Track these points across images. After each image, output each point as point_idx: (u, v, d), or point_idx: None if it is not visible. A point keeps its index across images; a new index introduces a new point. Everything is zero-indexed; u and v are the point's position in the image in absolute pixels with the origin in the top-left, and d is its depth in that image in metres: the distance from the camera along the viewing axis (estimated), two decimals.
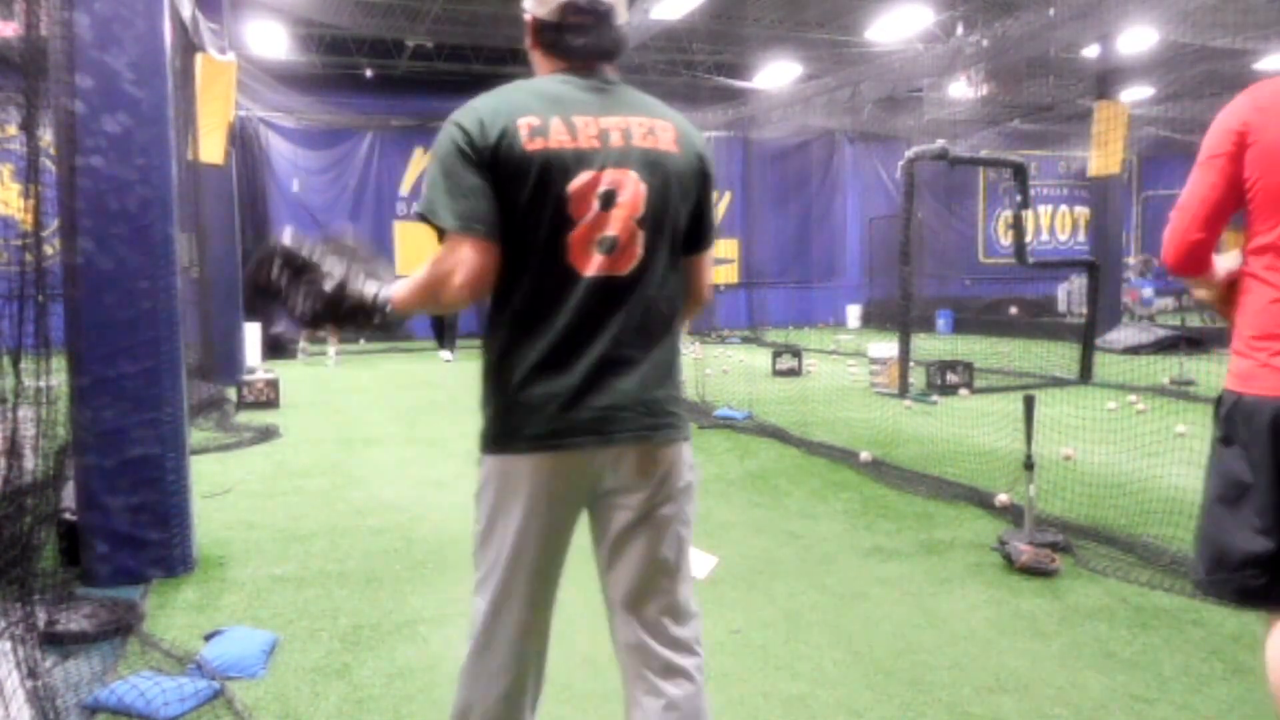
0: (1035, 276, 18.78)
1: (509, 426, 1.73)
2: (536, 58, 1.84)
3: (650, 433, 1.75)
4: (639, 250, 1.73)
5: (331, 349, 12.98)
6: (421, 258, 1.84)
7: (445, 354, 13.96)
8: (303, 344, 13.32)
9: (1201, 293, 2.22)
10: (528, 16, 1.81)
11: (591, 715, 2.72)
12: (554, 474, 1.73)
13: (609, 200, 1.70)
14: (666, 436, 1.78)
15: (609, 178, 1.70)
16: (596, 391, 1.70)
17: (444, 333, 14.14)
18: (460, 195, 1.66)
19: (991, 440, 6.18)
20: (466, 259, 1.66)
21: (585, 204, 1.69)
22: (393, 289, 1.84)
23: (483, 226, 1.66)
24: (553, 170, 1.67)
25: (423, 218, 1.71)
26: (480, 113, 1.70)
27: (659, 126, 1.77)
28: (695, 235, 1.86)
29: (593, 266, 1.70)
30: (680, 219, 1.80)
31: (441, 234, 1.69)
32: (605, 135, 1.71)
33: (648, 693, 1.80)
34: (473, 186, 1.66)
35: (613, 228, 1.70)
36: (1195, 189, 2.05)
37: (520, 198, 1.67)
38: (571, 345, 1.70)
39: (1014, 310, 17.84)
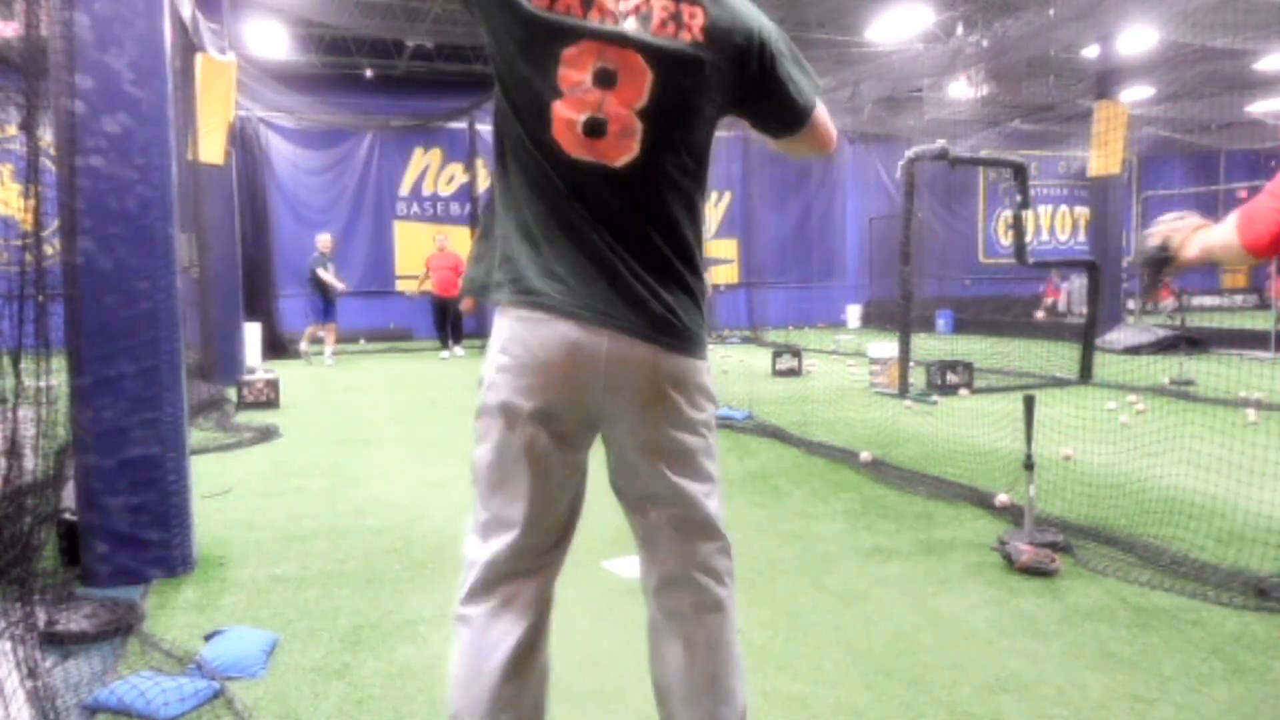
0: (1035, 276, 18.81)
1: (497, 278, 1.68)
2: None
3: (651, 332, 1.62)
4: (634, 145, 1.59)
5: (328, 349, 13.00)
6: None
7: (445, 353, 13.99)
8: (304, 345, 13.34)
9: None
10: None
11: (591, 715, 2.72)
12: (545, 330, 1.62)
13: (605, 79, 1.57)
14: (668, 343, 1.65)
15: (611, 55, 1.57)
16: (581, 282, 1.61)
17: (446, 330, 14.15)
18: None
19: (991, 440, 6.18)
20: None
21: (577, 75, 1.57)
22: None
23: None
24: (551, 31, 1.57)
25: None
26: None
27: (686, 12, 1.60)
28: (779, 118, 1.73)
29: (578, 148, 1.58)
30: (701, 119, 1.65)
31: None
32: (620, 13, 1.58)
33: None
34: None
35: (603, 109, 1.57)
36: None
37: (513, 53, 1.60)
38: (556, 232, 1.61)
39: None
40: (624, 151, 1.59)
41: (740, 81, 1.67)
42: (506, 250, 1.65)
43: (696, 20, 1.60)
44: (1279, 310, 15.87)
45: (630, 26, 1.58)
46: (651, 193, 1.63)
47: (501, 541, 1.71)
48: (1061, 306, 19.61)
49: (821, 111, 1.77)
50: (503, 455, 1.69)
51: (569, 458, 1.72)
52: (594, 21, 1.57)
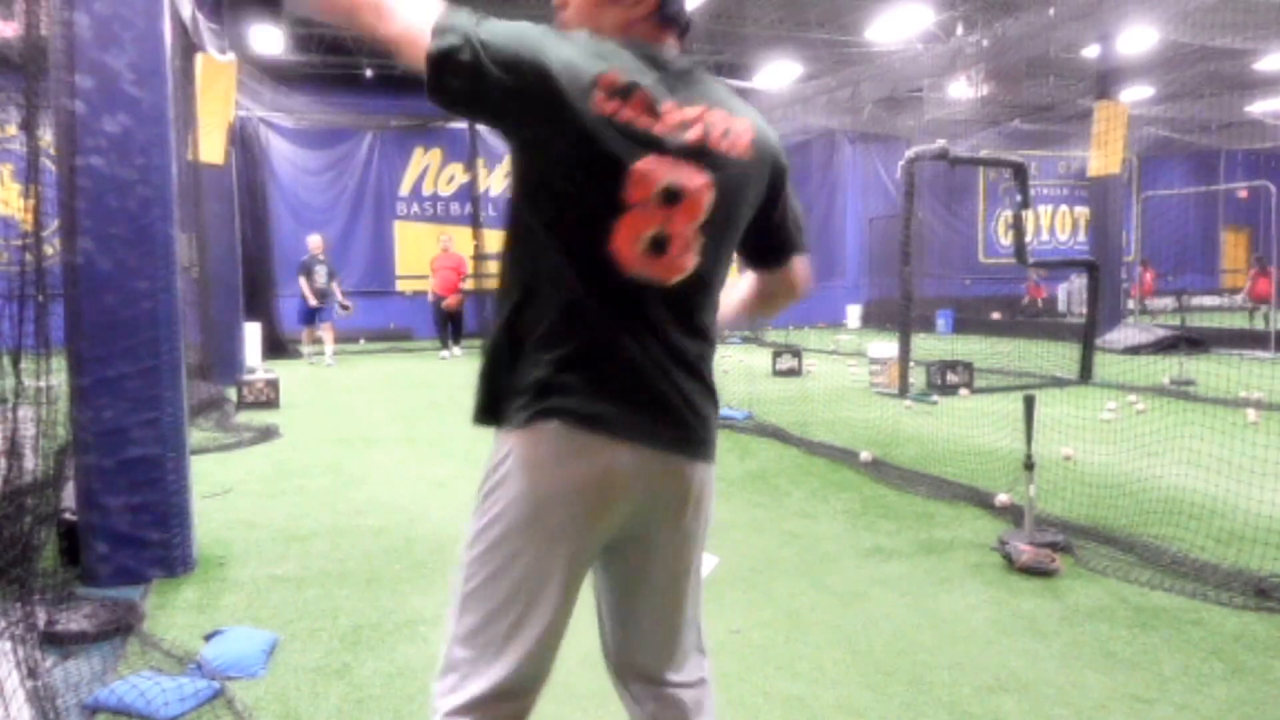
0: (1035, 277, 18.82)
1: (534, 394, 1.52)
2: (611, 18, 1.57)
3: (688, 446, 1.58)
4: (691, 261, 1.54)
5: (327, 348, 13.00)
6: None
7: (445, 353, 14.00)
8: (305, 349, 13.33)
9: None
10: None
11: (591, 715, 2.71)
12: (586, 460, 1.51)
13: (672, 197, 1.49)
14: (700, 454, 1.61)
15: (680, 172, 1.50)
16: (627, 401, 1.53)
17: (446, 330, 14.15)
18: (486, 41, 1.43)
19: (991, 440, 6.18)
20: (420, 34, 1.44)
21: (644, 191, 1.48)
22: None
23: (461, 45, 1.42)
24: (619, 142, 1.46)
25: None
26: (577, 46, 1.48)
27: (737, 127, 1.57)
28: (773, 245, 1.73)
29: (636, 264, 1.50)
30: (739, 234, 1.65)
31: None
32: (685, 125, 1.51)
33: None
34: (508, 59, 1.42)
35: (667, 227, 1.50)
36: None
37: (571, 163, 1.46)
38: (599, 346, 1.51)
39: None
40: (681, 269, 1.54)
41: (764, 200, 1.66)
42: (545, 364, 1.52)
43: (745, 135, 1.59)
44: (1248, 309, 15.93)
45: (694, 140, 1.52)
46: (695, 304, 1.60)
47: (488, 684, 1.54)
48: (1061, 306, 19.62)
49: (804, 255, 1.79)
50: (516, 586, 1.54)
51: (580, 583, 1.62)
52: (663, 134, 1.49)
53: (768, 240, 1.73)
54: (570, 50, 1.47)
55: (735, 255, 1.74)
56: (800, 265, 1.79)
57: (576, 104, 1.43)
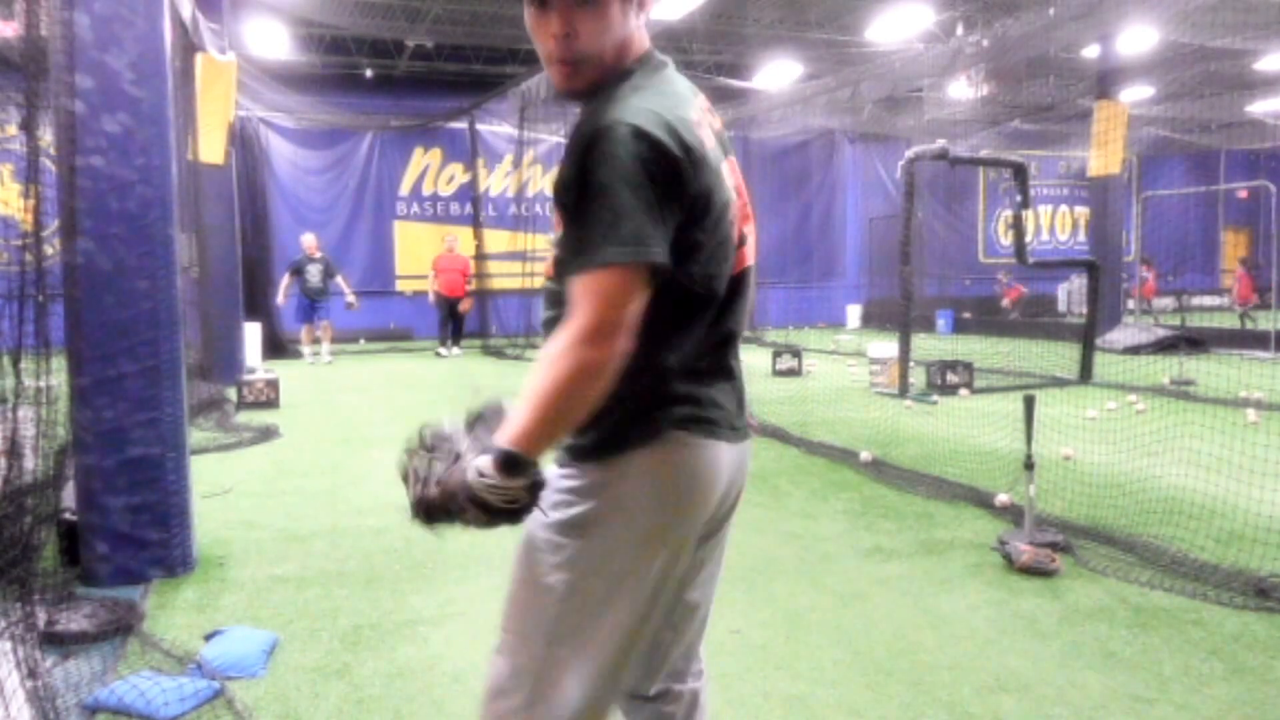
0: (1035, 276, 18.84)
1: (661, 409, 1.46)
2: (638, 34, 1.51)
3: (745, 433, 1.61)
4: (751, 241, 1.60)
5: (325, 346, 13.01)
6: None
7: (444, 350, 14.01)
8: (305, 350, 13.32)
9: None
10: None
11: None
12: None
13: (735, 190, 1.56)
14: (748, 434, 1.63)
15: (734, 165, 1.58)
16: (729, 401, 1.55)
17: (448, 330, 14.15)
18: (658, 224, 1.34)
19: (991, 440, 6.18)
20: (638, 300, 1.33)
21: (737, 197, 1.55)
22: (510, 429, 1.36)
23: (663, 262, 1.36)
24: (717, 161, 1.50)
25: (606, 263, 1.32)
26: (663, 116, 1.37)
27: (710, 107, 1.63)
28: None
29: (739, 262, 1.55)
30: None
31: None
32: (710, 122, 1.56)
33: None
34: (666, 216, 1.36)
35: (745, 219, 1.57)
36: None
37: (716, 200, 1.44)
38: (711, 351, 1.52)
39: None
40: (749, 252, 1.58)
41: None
42: (664, 380, 1.46)
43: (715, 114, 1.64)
44: (1240, 310, 15.96)
45: (718, 129, 1.57)
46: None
47: (580, 706, 1.47)
48: (1061, 306, 19.62)
49: None
50: (629, 607, 1.47)
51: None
52: (715, 139, 1.52)
53: None
54: (658, 104, 1.39)
55: None
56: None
57: (702, 153, 1.41)
